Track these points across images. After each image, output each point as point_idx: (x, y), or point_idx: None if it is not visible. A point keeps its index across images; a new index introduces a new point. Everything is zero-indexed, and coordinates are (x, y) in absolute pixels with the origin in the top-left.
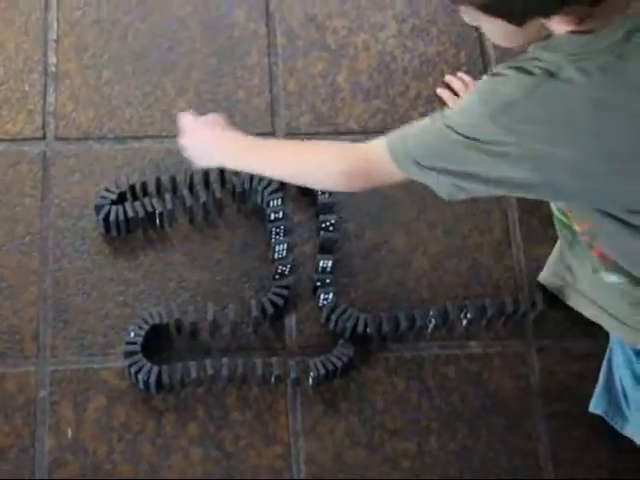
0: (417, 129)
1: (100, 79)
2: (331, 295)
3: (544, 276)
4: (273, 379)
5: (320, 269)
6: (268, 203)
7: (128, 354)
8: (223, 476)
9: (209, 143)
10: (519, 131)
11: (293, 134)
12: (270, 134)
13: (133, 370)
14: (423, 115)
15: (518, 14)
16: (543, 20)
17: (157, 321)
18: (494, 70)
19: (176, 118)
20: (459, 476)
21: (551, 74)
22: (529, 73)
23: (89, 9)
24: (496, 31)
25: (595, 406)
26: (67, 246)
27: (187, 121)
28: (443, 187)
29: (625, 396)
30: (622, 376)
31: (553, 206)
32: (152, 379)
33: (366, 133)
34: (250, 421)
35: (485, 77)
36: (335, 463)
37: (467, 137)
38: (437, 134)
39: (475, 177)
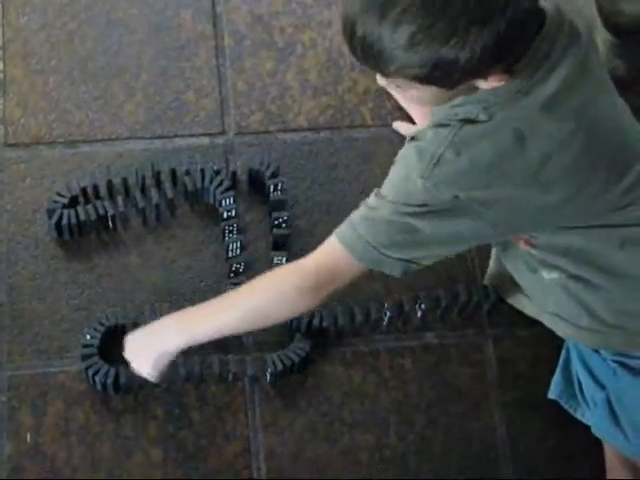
0: (360, 215)
1: (48, 84)
2: None
3: (487, 275)
4: (230, 376)
5: (274, 265)
6: (220, 202)
7: (85, 357)
8: (184, 476)
9: (143, 339)
10: (453, 184)
11: (243, 133)
12: (221, 134)
13: (90, 372)
14: (372, 110)
15: (455, 80)
16: (477, 80)
17: (113, 323)
18: (411, 135)
19: (126, 121)
20: (418, 465)
21: (468, 120)
22: (446, 126)
23: (34, 15)
24: (424, 97)
25: (552, 392)
26: (20, 251)
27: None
28: (397, 266)
29: (580, 385)
30: (577, 369)
31: None
32: (110, 381)
33: (316, 129)
34: (209, 419)
35: (405, 145)
36: (295, 457)
37: (408, 205)
38: (379, 213)
39: (429, 242)
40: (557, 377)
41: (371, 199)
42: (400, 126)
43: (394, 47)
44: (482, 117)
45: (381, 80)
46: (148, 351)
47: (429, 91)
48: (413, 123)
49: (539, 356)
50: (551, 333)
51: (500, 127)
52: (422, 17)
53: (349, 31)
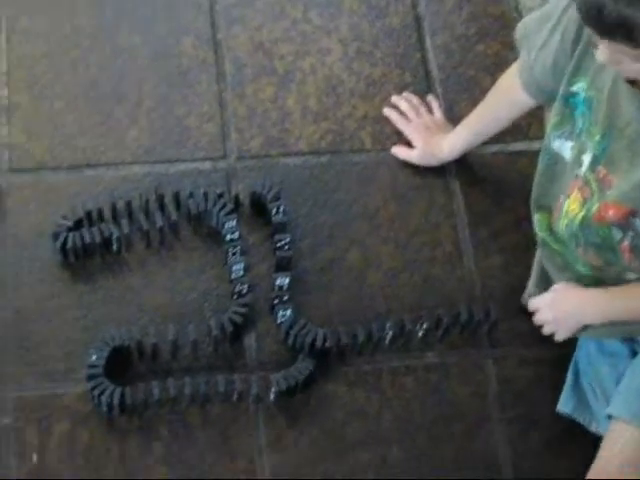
0: None
1: (52, 110)
2: (289, 312)
3: (526, 298)
4: (235, 396)
5: (277, 287)
6: (223, 224)
7: (91, 377)
8: None
9: (576, 304)
10: None
11: (245, 157)
12: (222, 158)
13: (96, 393)
14: (372, 135)
15: None
16: None
17: (118, 343)
18: None
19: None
20: None
21: None
22: None
23: (38, 42)
24: None
25: (564, 405)
26: (26, 275)
27: (541, 300)
28: None
29: (595, 393)
30: (603, 376)
31: (547, 238)
32: (115, 401)
33: (317, 153)
34: (214, 439)
35: None
36: (299, 476)
37: None
38: None
39: None
40: (567, 392)
41: None
42: (399, 151)
43: None
44: None
45: (612, 57)
46: (571, 321)
47: None
48: (411, 147)
49: (539, 375)
50: (549, 351)
51: None
52: None
53: (595, 12)
